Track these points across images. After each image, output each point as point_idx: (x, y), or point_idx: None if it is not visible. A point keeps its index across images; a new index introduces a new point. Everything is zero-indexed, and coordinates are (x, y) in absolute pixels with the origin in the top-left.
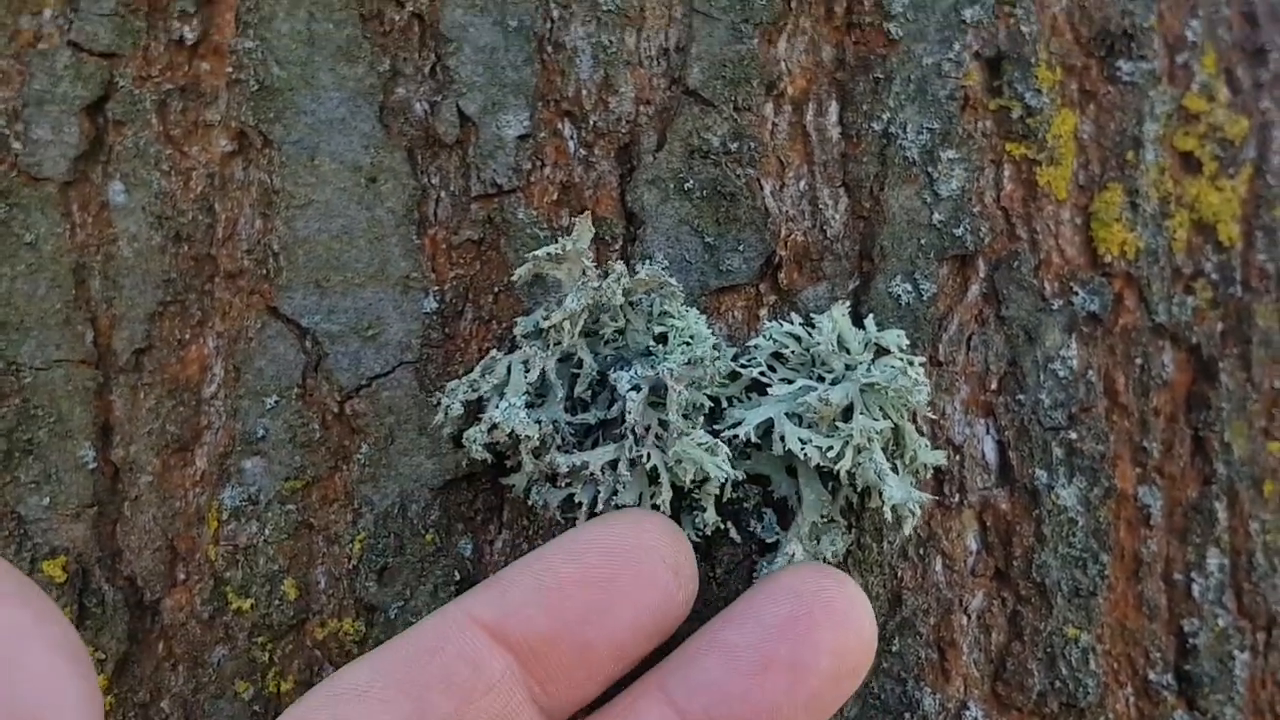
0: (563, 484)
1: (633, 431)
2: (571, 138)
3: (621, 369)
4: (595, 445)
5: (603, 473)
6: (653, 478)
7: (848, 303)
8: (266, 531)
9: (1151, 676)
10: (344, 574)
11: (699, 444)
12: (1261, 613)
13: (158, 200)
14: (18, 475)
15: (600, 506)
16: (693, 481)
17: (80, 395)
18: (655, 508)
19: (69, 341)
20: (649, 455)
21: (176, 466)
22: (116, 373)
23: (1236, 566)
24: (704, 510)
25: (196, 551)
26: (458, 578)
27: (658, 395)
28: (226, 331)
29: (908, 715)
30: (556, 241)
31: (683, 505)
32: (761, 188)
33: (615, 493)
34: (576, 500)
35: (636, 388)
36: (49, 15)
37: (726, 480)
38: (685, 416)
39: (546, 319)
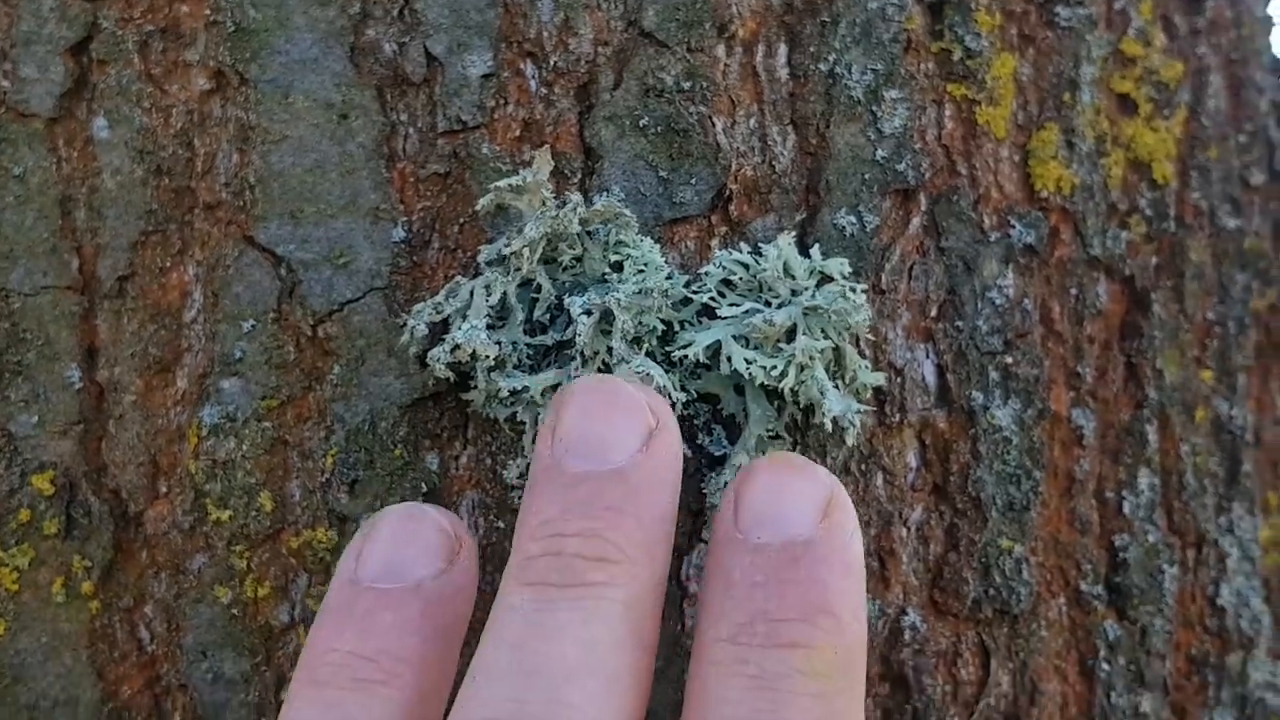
0: (508, 404)
1: (581, 354)
2: (533, 77)
3: (577, 294)
4: (551, 365)
5: (542, 396)
6: None
7: (794, 233)
8: (244, 447)
9: (1083, 587)
10: (317, 487)
11: (637, 371)
12: (1191, 530)
13: (139, 135)
14: (8, 395)
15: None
16: None
17: (66, 319)
18: None
19: (55, 269)
20: None
21: (158, 387)
22: (101, 298)
23: (1167, 486)
24: None
25: (177, 466)
26: (425, 490)
27: (609, 321)
28: (205, 260)
29: None
30: (518, 174)
31: None
32: (713, 125)
33: None
34: (519, 419)
35: (588, 312)
36: None
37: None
38: (636, 341)
39: (508, 246)
